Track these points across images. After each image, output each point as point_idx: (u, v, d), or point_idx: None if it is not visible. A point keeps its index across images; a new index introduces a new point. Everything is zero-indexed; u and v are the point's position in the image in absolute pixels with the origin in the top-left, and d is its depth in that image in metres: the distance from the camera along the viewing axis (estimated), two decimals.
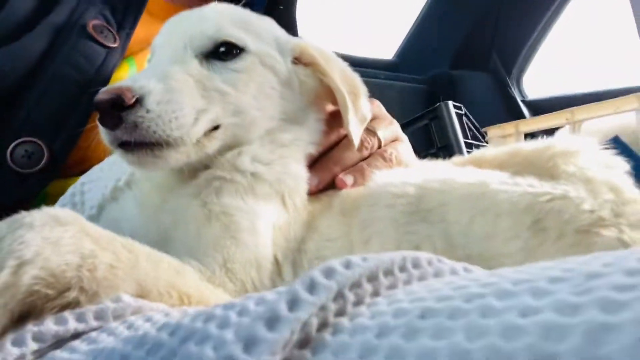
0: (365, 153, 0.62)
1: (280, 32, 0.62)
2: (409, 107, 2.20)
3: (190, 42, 0.54)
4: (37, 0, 0.73)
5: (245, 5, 0.97)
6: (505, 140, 0.91)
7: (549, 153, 0.53)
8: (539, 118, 0.95)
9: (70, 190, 0.58)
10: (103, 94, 0.46)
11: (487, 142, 1.26)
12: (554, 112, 0.90)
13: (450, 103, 1.32)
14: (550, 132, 1.03)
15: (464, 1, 2.37)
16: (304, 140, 0.59)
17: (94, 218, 0.55)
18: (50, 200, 0.62)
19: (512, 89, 2.35)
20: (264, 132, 0.56)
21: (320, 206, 0.59)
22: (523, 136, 0.92)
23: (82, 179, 0.60)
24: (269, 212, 0.54)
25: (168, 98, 0.48)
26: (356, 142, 0.59)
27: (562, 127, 0.90)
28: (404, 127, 1.49)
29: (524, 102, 2.35)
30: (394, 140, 0.65)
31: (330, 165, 0.61)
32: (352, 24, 2.78)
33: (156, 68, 0.52)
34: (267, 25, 0.62)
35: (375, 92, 2.21)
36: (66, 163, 0.67)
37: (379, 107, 0.67)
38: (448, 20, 2.42)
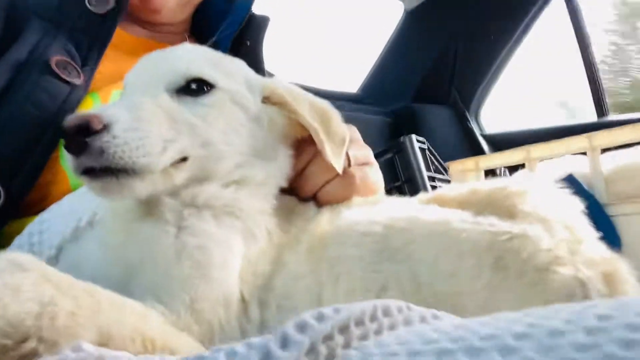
0: (334, 173, 0.61)
1: (251, 72, 0.63)
2: (374, 139, 2.23)
3: (162, 78, 0.55)
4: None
5: (212, 45, 0.98)
6: (465, 174, 0.95)
7: (506, 192, 0.55)
8: (497, 155, 0.99)
9: (27, 229, 0.56)
10: (70, 119, 0.46)
11: (449, 176, 1.30)
12: (511, 150, 0.94)
13: (414, 137, 1.36)
14: (509, 167, 1.08)
15: (424, 39, 2.48)
16: (273, 176, 0.60)
17: (53, 260, 0.52)
18: (7, 241, 0.59)
19: (471, 123, 2.44)
20: (233, 166, 0.56)
21: (288, 240, 0.59)
22: (483, 172, 0.96)
23: (41, 217, 0.57)
24: (239, 243, 0.54)
25: (136, 126, 0.48)
26: (339, 168, 0.60)
27: (519, 163, 0.94)
28: None
29: (482, 135, 2.45)
30: (364, 163, 0.65)
31: (304, 187, 0.62)
32: (317, 58, 2.84)
33: (126, 100, 0.52)
34: (238, 65, 0.63)
35: None
36: (24, 201, 0.64)
37: (355, 132, 0.68)
38: (410, 56, 2.52)
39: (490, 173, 1.00)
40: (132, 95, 0.54)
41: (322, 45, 2.93)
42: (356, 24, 2.92)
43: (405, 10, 2.52)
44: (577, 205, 0.54)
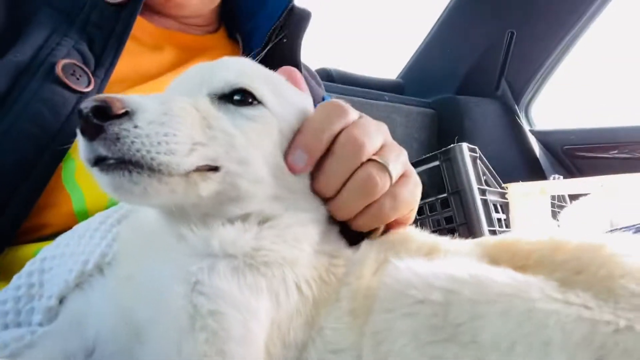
0: (377, 195, 0.51)
1: (310, 109, 0.53)
2: (415, 132, 2.12)
3: (207, 83, 0.48)
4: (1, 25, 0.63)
5: (245, 37, 0.88)
6: (527, 199, 0.83)
7: (603, 255, 0.44)
8: (569, 181, 0.87)
9: (27, 267, 0.48)
10: (89, 100, 0.40)
11: (503, 189, 1.18)
12: (585, 178, 0.82)
13: (465, 145, 1.24)
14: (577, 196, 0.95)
15: (476, 26, 2.30)
16: (310, 219, 0.50)
17: (52, 311, 0.45)
18: (4, 274, 0.52)
19: (520, 118, 2.28)
20: (268, 195, 0.48)
21: (326, 295, 0.50)
22: (549, 199, 0.84)
23: (43, 253, 0.50)
24: (265, 305, 0.45)
25: (163, 120, 0.41)
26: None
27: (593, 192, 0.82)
28: (413, 165, 1.40)
29: (531, 131, 2.28)
30: (402, 176, 0.54)
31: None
32: (355, 41, 2.70)
33: (158, 95, 0.46)
34: (297, 95, 0.53)
35: (380, 115, 2.13)
36: (20, 229, 0.57)
37: (387, 133, 0.56)
38: (457, 44, 2.35)
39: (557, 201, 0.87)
40: (167, 93, 0.48)
41: (361, 27, 2.78)
42: (400, 5, 2.75)
43: None
44: None
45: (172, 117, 0.42)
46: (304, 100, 0.53)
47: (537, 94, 2.32)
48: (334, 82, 2.06)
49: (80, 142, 0.41)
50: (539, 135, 2.26)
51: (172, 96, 0.45)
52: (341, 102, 0.51)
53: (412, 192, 0.54)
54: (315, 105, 0.57)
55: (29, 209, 0.57)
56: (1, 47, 0.61)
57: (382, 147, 0.51)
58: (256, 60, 0.53)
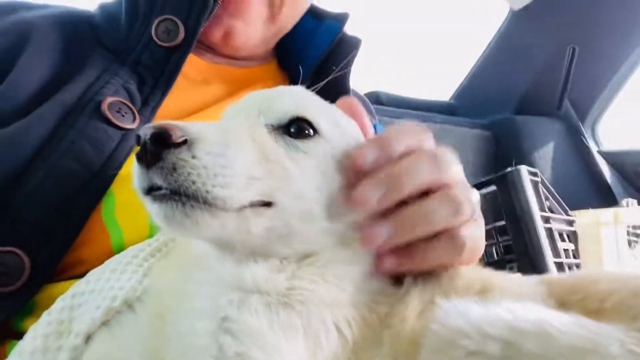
0: (463, 219, 0.45)
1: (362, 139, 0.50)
2: (469, 155, 2.04)
3: (264, 112, 0.47)
4: (49, 72, 0.65)
5: (295, 69, 0.87)
6: (599, 229, 0.74)
7: None
8: None
9: (58, 304, 0.47)
10: (147, 127, 0.39)
11: (569, 216, 1.08)
12: None
13: (524, 168, 1.15)
14: None
15: (533, 42, 2.20)
16: (360, 256, 0.46)
17: (78, 350, 0.44)
18: (40, 311, 0.51)
19: (587, 138, 2.13)
20: (320, 232, 0.45)
21: (367, 338, 0.45)
22: (625, 228, 0.75)
23: (74, 289, 0.49)
24: (301, 347, 0.41)
25: (222, 151, 0.40)
26: None
27: None
28: None
29: (599, 152, 2.12)
30: (472, 219, 0.48)
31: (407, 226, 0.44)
32: (406, 62, 2.65)
33: (219, 124, 0.45)
34: (353, 126, 0.50)
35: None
36: (56, 268, 0.56)
37: (461, 167, 0.50)
38: (514, 62, 2.26)
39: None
40: (225, 122, 0.48)
41: (413, 48, 2.74)
42: (451, 25, 2.69)
43: (511, 10, 2.25)
44: None
45: (230, 148, 0.41)
46: (355, 128, 0.50)
47: (604, 113, 2.17)
48: (383, 104, 2.03)
49: (135, 168, 0.41)
50: (609, 156, 2.10)
51: (230, 125, 0.44)
52: (407, 124, 0.47)
53: (478, 236, 0.49)
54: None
55: (69, 246, 0.57)
56: (55, 88, 0.63)
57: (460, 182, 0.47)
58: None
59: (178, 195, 0.39)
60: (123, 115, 0.63)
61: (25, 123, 0.59)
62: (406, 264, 0.46)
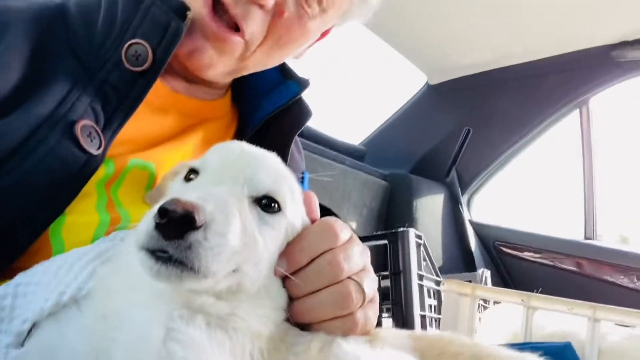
0: (349, 309, 0.56)
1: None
2: (368, 199, 2.24)
3: (248, 183, 0.53)
4: (19, 75, 0.63)
5: (244, 117, 0.90)
6: (460, 297, 0.93)
7: None
8: (496, 290, 0.98)
9: (0, 290, 0.50)
10: (176, 204, 0.43)
11: (439, 278, 1.29)
12: (511, 290, 0.93)
13: (412, 231, 1.35)
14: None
15: (439, 116, 2.52)
16: (282, 307, 0.56)
17: (22, 336, 0.47)
18: None
19: (462, 206, 2.46)
20: (259, 287, 0.53)
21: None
22: (477, 301, 0.94)
23: (18, 279, 0.52)
24: None
25: (225, 231, 0.46)
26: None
27: (515, 304, 0.93)
28: (364, 240, 1.50)
29: (470, 222, 2.46)
30: (371, 300, 0.61)
31: (302, 315, 0.56)
32: (328, 101, 2.84)
33: (217, 194, 0.49)
34: (301, 201, 0.60)
35: (338, 177, 2.20)
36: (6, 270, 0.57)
37: (367, 257, 0.61)
38: (420, 127, 2.55)
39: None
40: (220, 187, 0.51)
41: (333, 90, 2.94)
42: (376, 78, 2.95)
43: (427, 83, 2.55)
44: None
45: (229, 227, 0.47)
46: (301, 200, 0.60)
47: (480, 188, 2.53)
48: (303, 137, 2.15)
49: (148, 231, 0.44)
50: (476, 226, 2.44)
51: (226, 199, 0.49)
52: (335, 223, 0.58)
53: (371, 318, 0.60)
54: (298, 177, 0.64)
55: (17, 257, 0.58)
56: (25, 95, 0.62)
57: (361, 271, 0.58)
58: (249, 134, 0.58)
59: (180, 264, 0.44)
60: (92, 140, 0.64)
61: None
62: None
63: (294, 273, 0.56)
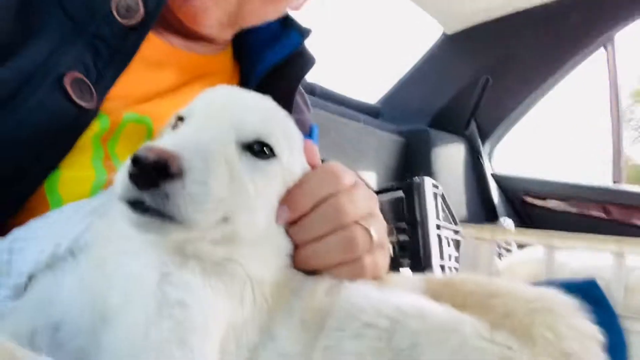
0: (356, 254, 0.54)
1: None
2: (385, 157, 2.20)
3: (235, 128, 0.51)
4: (4, 30, 0.61)
5: (246, 70, 0.87)
6: (478, 243, 0.90)
7: (529, 307, 0.51)
8: (516, 231, 0.94)
9: None
10: (148, 151, 0.41)
11: (458, 229, 1.26)
12: (532, 231, 0.90)
13: (428, 180, 1.31)
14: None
15: (456, 66, 2.42)
16: (285, 252, 0.54)
17: (20, 288, 0.47)
18: None
19: (483, 159, 2.40)
20: (258, 234, 0.51)
21: (280, 304, 0.54)
22: (496, 244, 0.91)
23: (14, 234, 0.51)
24: (224, 306, 0.49)
25: (205, 179, 0.44)
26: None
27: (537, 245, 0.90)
28: (378, 193, 1.47)
29: (492, 175, 2.40)
30: (379, 246, 0.57)
31: (307, 261, 0.54)
32: (342, 60, 2.77)
33: (198, 140, 0.48)
34: (300, 146, 0.58)
35: (353, 136, 2.16)
36: None
37: (375, 204, 0.59)
38: (437, 80, 2.46)
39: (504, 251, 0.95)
40: (202, 134, 0.49)
41: (350, 49, 2.86)
42: (387, 35, 2.85)
43: (444, 33, 2.45)
44: (600, 339, 0.49)
45: (211, 174, 0.45)
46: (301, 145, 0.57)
47: (501, 139, 2.45)
48: (315, 96, 2.11)
49: (124, 181, 0.43)
50: (498, 178, 2.38)
51: (210, 147, 0.47)
52: (338, 166, 0.55)
53: (380, 263, 0.58)
54: (304, 130, 0.61)
55: (11, 214, 0.57)
56: (11, 50, 0.61)
57: (367, 216, 0.56)
58: (251, 88, 0.56)
59: (160, 214, 0.43)
60: (82, 93, 0.62)
61: None
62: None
63: (296, 219, 0.54)
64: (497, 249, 0.89)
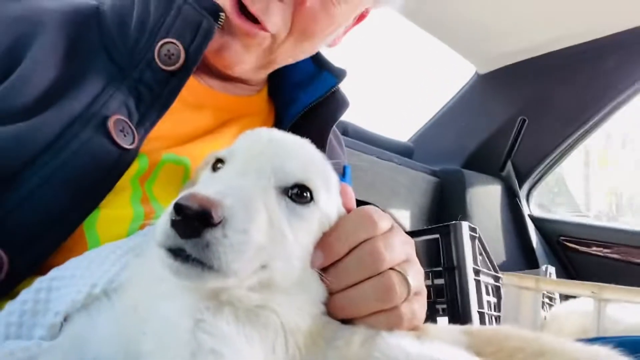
0: (393, 302, 0.52)
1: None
2: (418, 197, 2.16)
3: (275, 173, 0.50)
4: (55, 73, 0.64)
5: (281, 109, 0.89)
6: (521, 292, 0.85)
7: None
8: (562, 281, 0.89)
9: (36, 284, 0.50)
10: (191, 200, 0.41)
11: (497, 274, 1.20)
12: (579, 282, 0.84)
13: (465, 224, 1.27)
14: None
15: (491, 106, 2.39)
16: (320, 300, 0.53)
17: (56, 328, 0.47)
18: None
19: (521, 201, 2.32)
20: (294, 281, 0.50)
21: (314, 357, 0.51)
22: (541, 296, 0.86)
23: (53, 273, 0.52)
24: (259, 358, 0.47)
25: (246, 228, 0.44)
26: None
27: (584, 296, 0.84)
28: (413, 235, 1.43)
29: (530, 217, 2.31)
30: (416, 293, 0.56)
31: (344, 309, 0.52)
32: (374, 99, 2.79)
33: (239, 186, 0.47)
34: (337, 188, 0.57)
35: (386, 175, 2.14)
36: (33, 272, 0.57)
37: (412, 247, 0.58)
38: (471, 119, 2.43)
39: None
40: (243, 180, 0.49)
41: (382, 87, 2.88)
42: (422, 73, 2.86)
43: (477, 73, 2.44)
44: None
45: (252, 223, 0.44)
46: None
47: (541, 181, 2.38)
48: (348, 136, 2.12)
49: (164, 229, 0.43)
50: (537, 221, 2.29)
51: (251, 193, 0.47)
52: (374, 210, 0.54)
53: (418, 312, 0.55)
54: (338, 171, 0.60)
55: (50, 253, 0.58)
56: (59, 94, 0.63)
57: (404, 262, 0.54)
58: (286, 128, 0.56)
59: (200, 263, 0.42)
60: (125, 135, 0.64)
61: (30, 126, 0.59)
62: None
63: (331, 265, 0.53)
64: (540, 299, 0.84)
